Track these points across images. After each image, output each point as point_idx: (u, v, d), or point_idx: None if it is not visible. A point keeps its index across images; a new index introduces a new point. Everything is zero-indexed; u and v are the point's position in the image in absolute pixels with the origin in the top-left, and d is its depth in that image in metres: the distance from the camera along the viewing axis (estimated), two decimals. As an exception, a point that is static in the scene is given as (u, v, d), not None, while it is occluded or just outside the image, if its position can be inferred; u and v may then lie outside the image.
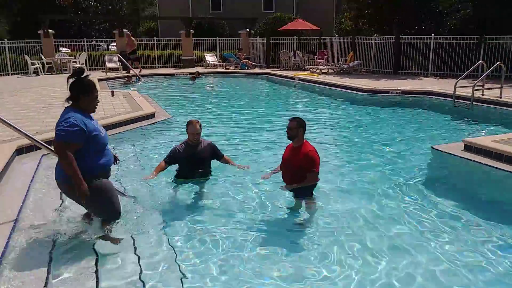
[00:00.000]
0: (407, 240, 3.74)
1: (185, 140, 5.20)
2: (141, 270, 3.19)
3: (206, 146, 5.23)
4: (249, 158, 6.24)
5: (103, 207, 3.50)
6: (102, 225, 3.54)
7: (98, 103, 3.49)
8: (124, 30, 19.59)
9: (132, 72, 17.88)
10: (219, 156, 5.38)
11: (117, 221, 3.71)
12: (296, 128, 4.53)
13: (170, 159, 5.11)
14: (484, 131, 8.29)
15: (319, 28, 22.41)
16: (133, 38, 19.17)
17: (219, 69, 21.45)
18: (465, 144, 5.93)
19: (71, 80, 3.36)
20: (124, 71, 19.24)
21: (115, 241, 3.52)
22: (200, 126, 5.09)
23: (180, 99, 13.23)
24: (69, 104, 3.37)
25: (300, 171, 4.51)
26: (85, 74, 3.39)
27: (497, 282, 3.13)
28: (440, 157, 6.03)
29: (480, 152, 5.66)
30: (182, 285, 3.07)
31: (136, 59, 19.28)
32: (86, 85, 3.38)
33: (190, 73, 18.64)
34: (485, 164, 5.38)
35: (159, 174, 4.95)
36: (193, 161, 5.04)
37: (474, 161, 5.53)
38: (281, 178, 4.74)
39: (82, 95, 3.35)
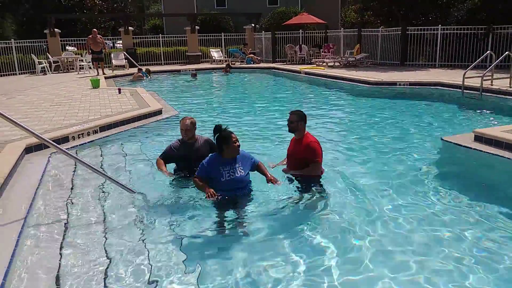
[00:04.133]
0: (416, 232, 3.70)
1: (181, 138, 5.03)
2: (150, 266, 3.19)
3: (203, 143, 5.03)
4: (255, 150, 6.22)
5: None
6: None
7: (239, 146, 4.26)
8: (93, 29, 18.49)
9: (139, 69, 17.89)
10: None
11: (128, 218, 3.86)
12: (297, 121, 4.65)
13: (165, 156, 4.95)
14: (494, 122, 8.19)
15: (324, 22, 22.29)
16: (100, 37, 18.27)
17: (225, 65, 21.39)
18: (475, 135, 5.87)
19: (215, 136, 4.25)
20: (130, 69, 19.30)
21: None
22: (192, 123, 4.93)
23: (187, 95, 13.24)
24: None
25: (303, 162, 4.61)
26: (223, 128, 4.23)
27: (508, 273, 3.09)
28: (450, 148, 5.97)
29: (490, 143, 5.59)
30: (194, 278, 3.06)
31: (101, 60, 17.88)
32: (224, 137, 4.21)
33: (191, 69, 18.46)
34: (495, 155, 5.32)
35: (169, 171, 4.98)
36: (191, 160, 4.81)
37: (484, 151, 5.46)
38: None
39: (225, 146, 4.20)
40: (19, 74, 19.20)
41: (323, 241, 3.59)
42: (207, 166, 4.29)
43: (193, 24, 22.99)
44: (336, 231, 3.74)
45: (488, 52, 11.95)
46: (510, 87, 10.26)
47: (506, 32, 15.45)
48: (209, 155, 4.43)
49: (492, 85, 10.65)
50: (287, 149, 5.00)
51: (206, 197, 4.15)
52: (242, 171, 4.35)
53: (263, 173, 4.55)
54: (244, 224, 3.95)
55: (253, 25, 24.25)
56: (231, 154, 4.28)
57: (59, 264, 3.14)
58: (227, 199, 4.20)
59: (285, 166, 4.95)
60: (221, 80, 17.50)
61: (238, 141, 4.27)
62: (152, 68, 19.07)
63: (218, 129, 4.23)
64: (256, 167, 4.59)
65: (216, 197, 4.12)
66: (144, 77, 17.06)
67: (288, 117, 4.73)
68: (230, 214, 4.16)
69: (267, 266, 3.23)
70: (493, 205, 4.20)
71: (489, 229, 3.73)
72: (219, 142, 4.23)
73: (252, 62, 21.45)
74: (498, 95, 10.23)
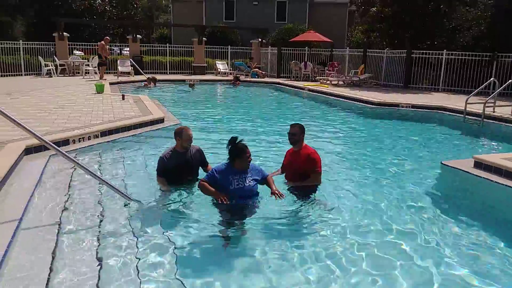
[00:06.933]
0: (412, 256, 3.67)
1: (173, 148, 4.98)
2: (141, 274, 3.17)
3: (195, 153, 5.04)
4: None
5: None
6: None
7: (250, 160, 4.41)
8: (106, 37, 19.11)
9: (144, 76, 18.03)
10: (204, 163, 5.18)
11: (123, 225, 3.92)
12: (299, 133, 4.80)
13: (162, 170, 4.87)
14: (494, 148, 8.19)
15: (330, 40, 22.46)
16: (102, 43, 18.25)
17: (230, 77, 21.53)
18: (475, 161, 5.85)
19: (229, 147, 4.38)
20: (135, 76, 19.45)
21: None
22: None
23: (189, 105, 13.28)
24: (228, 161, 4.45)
25: (303, 172, 4.74)
26: (238, 140, 4.36)
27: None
28: (449, 173, 5.94)
29: (490, 169, 5.57)
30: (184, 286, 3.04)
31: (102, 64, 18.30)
32: (237, 150, 4.34)
33: (189, 80, 18.54)
34: (495, 182, 5.30)
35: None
36: (183, 169, 4.86)
37: (484, 178, 5.45)
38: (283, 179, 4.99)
39: (237, 158, 4.33)
40: (25, 75, 19.30)
41: (323, 251, 3.63)
42: (217, 174, 4.38)
43: (201, 35, 23.19)
44: (332, 246, 3.73)
45: (491, 79, 12.01)
46: (512, 115, 10.29)
47: (510, 60, 15.56)
48: (220, 164, 4.52)
49: (494, 112, 10.67)
50: (283, 161, 5.12)
51: (219, 201, 4.17)
52: (251, 182, 4.45)
53: (269, 186, 4.57)
54: (245, 234, 3.97)
55: (260, 39, 24.46)
56: (241, 166, 4.41)
57: (51, 267, 3.11)
58: (233, 207, 4.24)
59: (278, 176, 5.02)
60: (230, 92, 17.53)
61: (250, 156, 4.40)
62: (157, 77, 19.15)
63: (233, 140, 4.38)
64: (265, 180, 4.63)
65: (228, 201, 4.16)
66: (152, 84, 17.23)
67: (288, 129, 4.87)
68: (232, 223, 4.17)
69: (263, 277, 3.23)
70: (490, 231, 4.18)
71: (485, 254, 3.70)
72: (233, 153, 4.36)
73: (256, 76, 21.57)
74: (499, 122, 10.25)
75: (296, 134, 4.79)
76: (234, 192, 4.29)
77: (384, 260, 3.56)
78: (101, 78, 17.71)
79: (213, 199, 4.41)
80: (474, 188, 5.63)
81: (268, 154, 6.93)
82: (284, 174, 5.07)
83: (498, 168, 5.48)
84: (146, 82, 17.30)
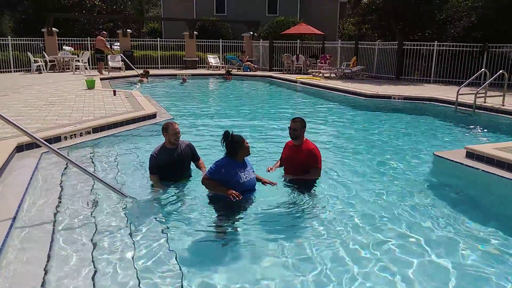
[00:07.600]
0: (405, 247, 3.70)
1: (162, 144, 4.91)
2: (137, 269, 3.17)
3: (185, 148, 4.99)
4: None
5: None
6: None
7: (249, 146, 4.36)
8: (103, 32, 19.14)
9: (136, 71, 17.92)
10: (195, 158, 5.13)
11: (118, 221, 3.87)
12: (300, 128, 4.79)
13: (155, 169, 4.80)
14: (486, 139, 8.26)
15: (322, 33, 22.44)
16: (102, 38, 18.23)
17: (222, 71, 21.45)
18: (467, 151, 5.90)
19: (224, 143, 4.30)
20: (126, 71, 19.31)
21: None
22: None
23: (181, 99, 13.22)
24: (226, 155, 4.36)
25: (304, 167, 4.75)
26: (231, 134, 4.28)
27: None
28: (442, 164, 5.99)
29: (482, 160, 5.63)
30: (182, 281, 3.05)
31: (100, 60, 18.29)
32: (237, 141, 4.28)
33: (181, 75, 18.48)
34: (487, 172, 5.35)
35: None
36: (174, 165, 4.81)
37: (476, 168, 5.50)
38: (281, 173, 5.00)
39: (239, 150, 4.27)
40: (14, 71, 19.08)
41: (322, 244, 3.64)
42: (222, 169, 4.25)
43: (192, 29, 23.05)
44: (319, 240, 3.75)
45: (482, 70, 12.08)
46: (503, 105, 10.38)
47: (501, 51, 15.67)
48: (219, 160, 4.36)
49: (485, 102, 10.76)
50: (282, 153, 5.13)
51: (231, 197, 4.06)
52: (253, 174, 4.48)
53: (259, 179, 4.59)
54: (242, 228, 3.95)
55: (251, 33, 24.36)
56: (244, 155, 4.37)
57: (46, 265, 3.10)
58: (235, 201, 4.14)
59: (280, 169, 5.03)
60: (222, 86, 17.48)
61: (248, 143, 4.38)
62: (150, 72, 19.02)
63: (227, 134, 4.29)
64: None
65: (240, 197, 4.08)
66: (145, 79, 17.14)
67: (289, 124, 4.86)
68: (228, 218, 4.16)
69: (264, 270, 3.26)
70: (482, 221, 4.22)
71: (477, 243, 3.74)
72: (233, 146, 4.28)
73: (248, 70, 21.51)
74: (490, 113, 10.34)
75: (297, 129, 4.75)
76: (244, 185, 4.22)
77: (379, 251, 3.58)
78: (100, 73, 17.64)
79: (209, 193, 4.39)
80: (467, 178, 5.69)
81: (264, 148, 6.93)
82: (283, 167, 5.06)
83: (489, 158, 5.54)
84: (140, 78, 17.21)
